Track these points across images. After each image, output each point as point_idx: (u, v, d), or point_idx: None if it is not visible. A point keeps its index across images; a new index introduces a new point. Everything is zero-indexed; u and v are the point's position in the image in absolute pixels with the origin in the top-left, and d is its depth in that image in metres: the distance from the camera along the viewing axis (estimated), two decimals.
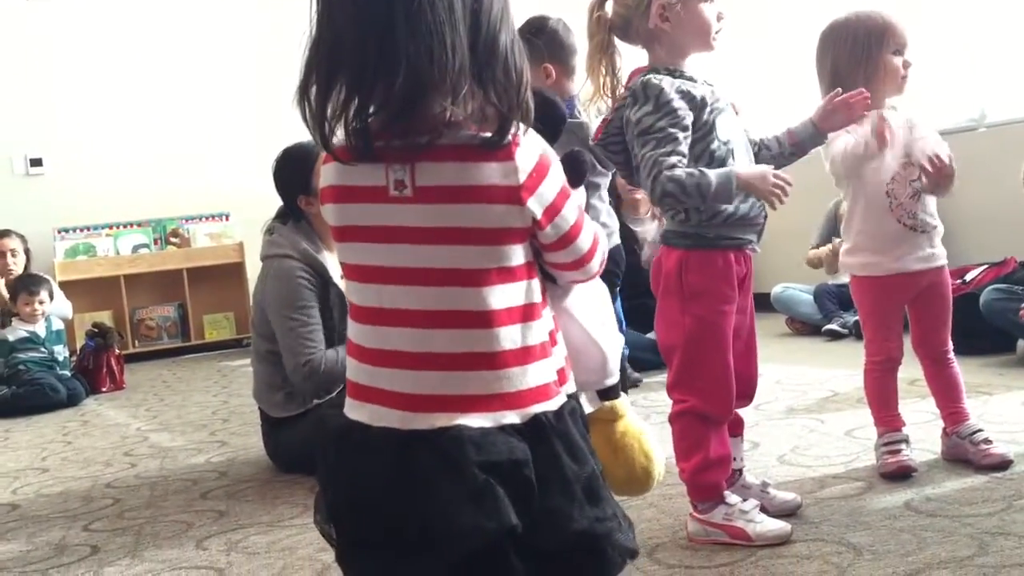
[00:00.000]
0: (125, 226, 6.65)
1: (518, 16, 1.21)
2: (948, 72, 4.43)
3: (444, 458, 1.06)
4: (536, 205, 1.10)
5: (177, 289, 6.59)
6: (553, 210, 1.12)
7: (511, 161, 1.08)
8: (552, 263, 1.18)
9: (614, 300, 2.86)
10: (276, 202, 3.00)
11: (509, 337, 1.10)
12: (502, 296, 1.10)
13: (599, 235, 1.23)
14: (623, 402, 1.34)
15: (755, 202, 1.93)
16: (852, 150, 2.17)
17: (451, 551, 1.06)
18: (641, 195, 4.44)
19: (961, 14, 4.40)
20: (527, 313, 1.12)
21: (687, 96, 1.87)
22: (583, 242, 1.18)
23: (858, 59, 2.20)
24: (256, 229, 3.15)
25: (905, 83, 2.23)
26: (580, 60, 2.73)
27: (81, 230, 6.54)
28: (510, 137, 1.08)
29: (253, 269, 5.58)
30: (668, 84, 1.86)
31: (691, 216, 1.89)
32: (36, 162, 6.56)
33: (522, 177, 1.08)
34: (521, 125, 1.09)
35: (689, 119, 1.86)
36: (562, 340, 1.20)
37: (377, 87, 1.05)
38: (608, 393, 1.32)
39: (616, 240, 2.82)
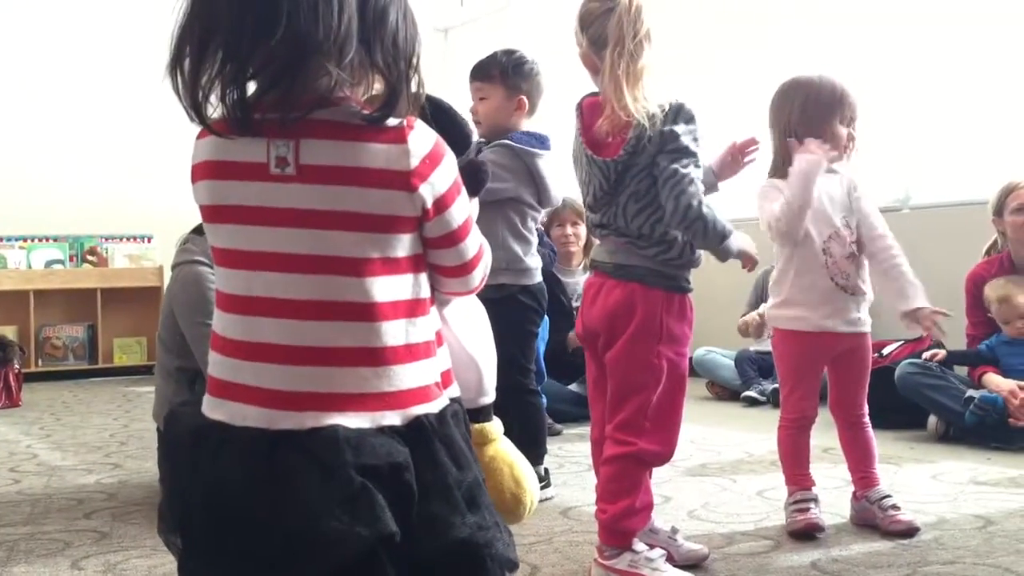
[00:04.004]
0: (40, 240, 6.41)
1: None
2: (875, 152, 4.54)
3: (315, 460, 0.97)
4: (427, 193, 1.03)
5: (89, 309, 6.34)
6: (443, 203, 1.06)
7: (403, 143, 1.01)
8: (435, 264, 1.11)
9: (532, 340, 2.78)
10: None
11: (392, 333, 1.03)
12: (386, 288, 1.03)
13: (485, 248, 1.17)
14: (494, 426, 1.28)
15: None
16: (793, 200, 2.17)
17: (320, 561, 0.96)
18: (576, 248, 4.42)
19: (888, 97, 4.53)
20: (413, 308, 1.06)
21: None
22: (469, 246, 1.12)
23: (809, 120, 2.23)
24: None
25: (848, 153, 2.26)
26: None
27: None
28: (403, 120, 1.02)
29: None
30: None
31: (673, 249, 1.88)
32: None
33: (414, 162, 1.02)
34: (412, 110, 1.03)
35: None
36: (446, 344, 1.13)
37: (257, 50, 0.98)
38: (478, 415, 1.25)
39: (538, 275, 2.76)
